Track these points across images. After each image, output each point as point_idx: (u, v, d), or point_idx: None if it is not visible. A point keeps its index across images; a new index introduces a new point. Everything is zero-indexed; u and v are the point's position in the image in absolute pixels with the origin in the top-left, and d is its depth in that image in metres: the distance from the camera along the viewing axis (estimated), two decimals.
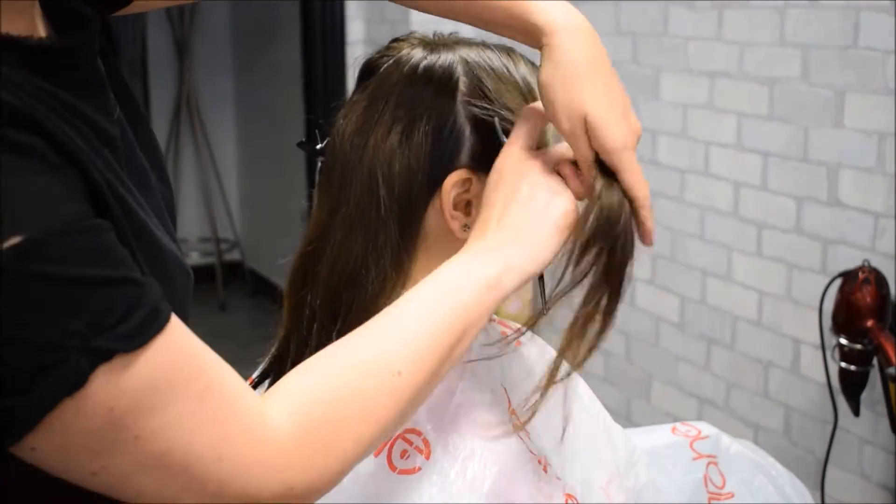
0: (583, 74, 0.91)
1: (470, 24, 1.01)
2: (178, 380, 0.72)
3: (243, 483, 0.75)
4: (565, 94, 0.91)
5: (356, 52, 3.45)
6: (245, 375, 0.96)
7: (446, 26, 1.12)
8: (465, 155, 1.01)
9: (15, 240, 0.64)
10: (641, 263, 2.82)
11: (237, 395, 0.77)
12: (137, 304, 0.70)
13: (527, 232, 0.92)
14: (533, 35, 0.94)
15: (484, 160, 1.00)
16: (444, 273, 0.90)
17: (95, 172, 0.72)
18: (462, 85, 1.02)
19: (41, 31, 0.77)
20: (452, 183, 1.00)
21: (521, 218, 0.92)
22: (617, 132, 0.91)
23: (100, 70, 0.83)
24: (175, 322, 0.73)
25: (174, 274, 0.83)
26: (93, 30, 0.81)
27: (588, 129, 0.91)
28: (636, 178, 0.94)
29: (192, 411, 0.73)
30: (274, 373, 1.04)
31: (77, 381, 0.67)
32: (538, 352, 1.10)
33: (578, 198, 0.94)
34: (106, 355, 0.68)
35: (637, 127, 0.93)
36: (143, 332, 0.70)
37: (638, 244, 0.97)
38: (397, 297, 1.02)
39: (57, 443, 0.69)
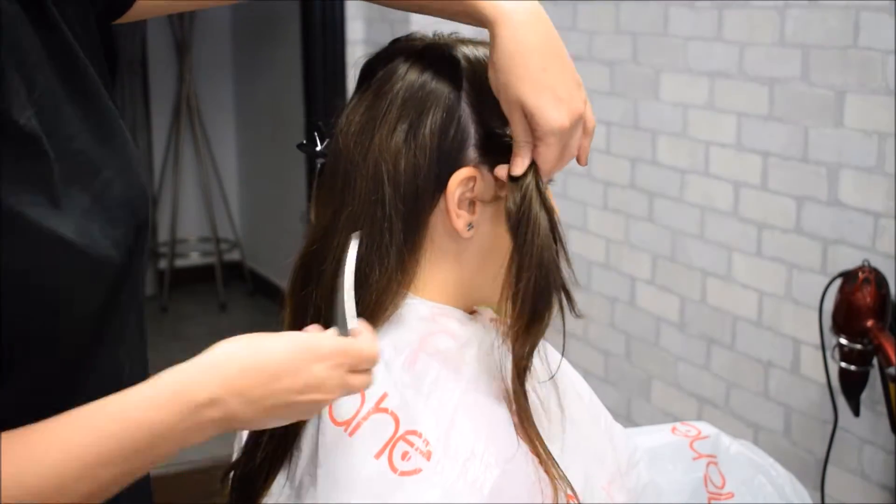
0: (522, 62, 0.95)
1: (425, 13, 1.05)
2: None
3: None
4: (505, 81, 0.96)
5: (356, 52, 3.45)
6: None
7: (446, 27, 1.12)
8: (470, 153, 1.01)
9: None
10: (641, 263, 2.83)
11: None
12: None
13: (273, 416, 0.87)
14: (483, 23, 0.98)
15: (488, 158, 1.01)
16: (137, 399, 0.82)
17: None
18: (466, 83, 1.02)
19: None
20: (458, 181, 1.00)
21: (275, 411, 0.86)
22: (549, 116, 0.95)
23: None
24: None
25: (44, 251, 0.80)
26: None
27: (525, 115, 0.96)
28: (550, 155, 0.98)
29: None
30: None
31: None
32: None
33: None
34: None
35: (576, 108, 0.96)
36: None
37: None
38: (402, 297, 1.02)
39: None
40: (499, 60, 0.96)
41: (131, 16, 1.05)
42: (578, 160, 1.01)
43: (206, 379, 0.83)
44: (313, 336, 0.90)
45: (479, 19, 0.98)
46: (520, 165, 0.98)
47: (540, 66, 0.95)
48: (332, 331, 0.92)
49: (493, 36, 0.97)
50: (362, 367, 0.90)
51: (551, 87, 0.95)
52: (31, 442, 0.78)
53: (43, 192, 0.81)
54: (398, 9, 1.11)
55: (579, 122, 0.97)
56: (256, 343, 0.86)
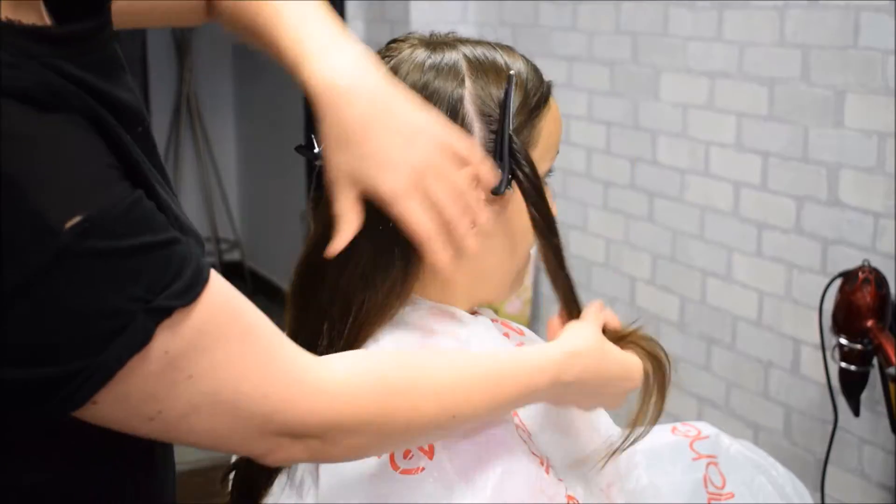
0: (345, 139, 0.94)
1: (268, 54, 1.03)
2: (223, 323, 0.80)
3: (285, 416, 0.82)
4: (330, 159, 0.95)
5: None
6: None
7: (444, 27, 1.12)
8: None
9: (76, 219, 0.71)
10: (641, 263, 2.83)
11: (276, 338, 0.85)
12: (185, 261, 0.77)
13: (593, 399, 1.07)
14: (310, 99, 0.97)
15: (493, 157, 1.01)
16: (531, 360, 0.99)
17: (131, 149, 0.78)
18: (468, 81, 1.02)
19: (48, 21, 0.81)
20: None
21: (593, 395, 1.05)
22: (387, 185, 0.93)
23: (118, 51, 0.88)
24: (215, 274, 0.80)
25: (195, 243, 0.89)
26: (106, 12, 0.86)
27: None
28: (416, 222, 0.95)
29: (238, 351, 0.80)
30: None
31: (143, 339, 0.74)
32: None
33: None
34: (166, 312, 0.75)
35: (417, 157, 0.94)
36: (195, 286, 0.78)
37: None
38: (406, 295, 1.02)
39: (119, 393, 0.75)
40: (325, 140, 0.95)
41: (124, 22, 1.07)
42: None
43: (571, 366, 1.00)
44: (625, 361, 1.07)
45: (306, 93, 0.97)
46: (336, 244, 0.96)
47: (361, 139, 0.93)
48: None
49: (316, 108, 0.95)
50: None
51: (373, 156, 0.93)
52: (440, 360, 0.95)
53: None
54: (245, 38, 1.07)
55: (428, 170, 0.94)
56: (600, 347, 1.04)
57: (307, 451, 0.86)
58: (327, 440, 0.85)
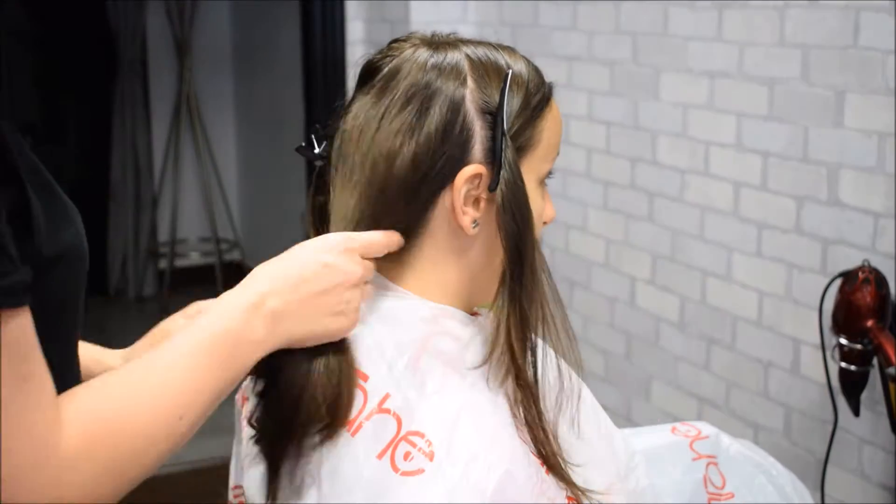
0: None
1: None
2: (7, 358, 0.77)
3: (18, 486, 0.79)
4: None
5: (356, 53, 3.45)
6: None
7: (444, 27, 1.12)
8: (476, 150, 1.02)
9: None
10: (641, 263, 2.83)
11: (50, 398, 0.81)
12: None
13: (315, 310, 0.98)
14: None
15: (494, 155, 1.01)
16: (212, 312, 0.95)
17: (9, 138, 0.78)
18: (470, 80, 1.02)
19: None
20: (465, 178, 1.01)
21: (313, 304, 0.98)
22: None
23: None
24: (25, 312, 0.79)
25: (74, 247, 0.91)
26: None
27: None
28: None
29: (7, 395, 0.77)
30: None
31: None
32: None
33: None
34: None
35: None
36: None
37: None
38: (402, 290, 1.03)
39: None
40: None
41: None
42: None
43: (246, 288, 0.97)
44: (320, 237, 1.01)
45: None
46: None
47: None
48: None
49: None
50: (371, 253, 1.00)
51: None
52: (123, 383, 0.88)
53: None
54: None
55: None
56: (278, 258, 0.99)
57: None
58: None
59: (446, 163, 1.01)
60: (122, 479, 0.85)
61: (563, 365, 1.07)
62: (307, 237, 1.06)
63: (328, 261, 0.97)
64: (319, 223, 1.12)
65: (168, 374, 0.89)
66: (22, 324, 0.78)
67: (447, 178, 1.01)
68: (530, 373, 1.01)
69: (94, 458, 0.83)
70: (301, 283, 0.96)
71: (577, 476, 1.03)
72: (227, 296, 0.96)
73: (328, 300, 0.97)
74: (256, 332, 0.94)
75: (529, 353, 1.01)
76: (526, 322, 1.00)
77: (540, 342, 1.04)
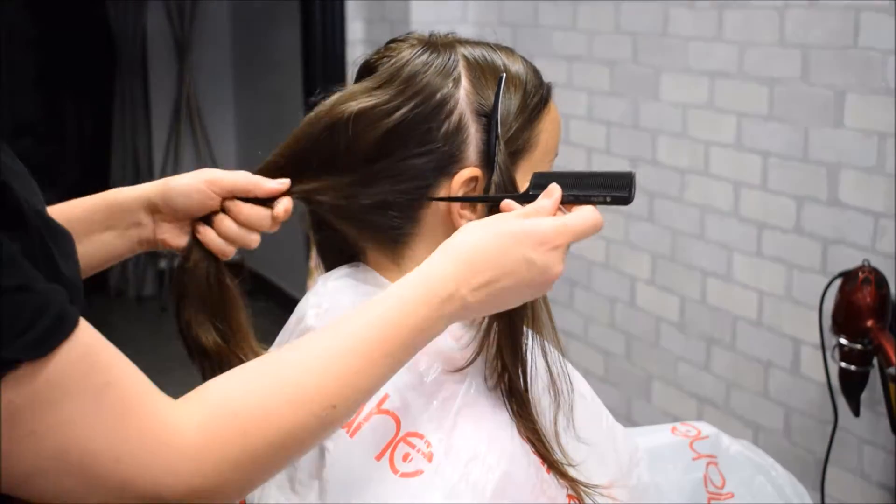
0: None
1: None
2: (78, 377, 0.73)
3: (144, 484, 0.76)
4: None
5: (356, 52, 3.45)
6: None
7: (443, 28, 1.12)
8: (472, 152, 1.01)
9: None
10: (641, 263, 2.83)
11: (139, 396, 0.77)
12: (41, 310, 0.71)
13: (499, 305, 0.94)
14: None
15: (489, 158, 1.01)
16: (397, 297, 0.89)
17: (14, 185, 0.74)
18: (466, 82, 1.02)
19: None
20: (462, 181, 1.01)
21: (500, 298, 0.92)
22: None
23: None
24: (83, 326, 0.75)
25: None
26: None
27: None
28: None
29: (90, 409, 0.74)
30: None
31: None
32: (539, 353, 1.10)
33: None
34: (11, 364, 0.70)
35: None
36: (48, 340, 0.72)
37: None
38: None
39: None
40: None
41: None
42: None
43: (437, 273, 0.90)
44: (529, 223, 0.92)
45: None
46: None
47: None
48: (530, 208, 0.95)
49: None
50: (583, 238, 0.94)
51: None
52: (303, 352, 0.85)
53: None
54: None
55: None
56: (484, 231, 0.92)
57: None
58: (203, 496, 0.79)
59: (441, 166, 1.01)
60: (259, 469, 0.81)
61: (560, 363, 1.07)
62: (307, 237, 1.06)
63: (533, 258, 0.91)
64: (319, 224, 1.12)
65: (322, 362, 0.84)
66: (81, 339, 0.74)
67: (441, 182, 1.01)
68: (521, 372, 1.01)
69: (216, 451, 0.79)
70: (502, 276, 0.90)
71: (579, 473, 1.03)
72: (413, 279, 0.89)
73: (525, 292, 0.92)
74: (438, 326, 0.89)
75: (520, 351, 1.01)
76: (516, 324, 1.00)
77: (536, 342, 1.04)
